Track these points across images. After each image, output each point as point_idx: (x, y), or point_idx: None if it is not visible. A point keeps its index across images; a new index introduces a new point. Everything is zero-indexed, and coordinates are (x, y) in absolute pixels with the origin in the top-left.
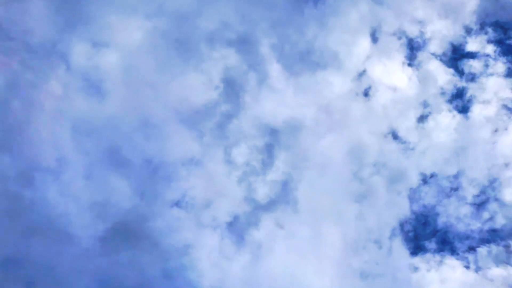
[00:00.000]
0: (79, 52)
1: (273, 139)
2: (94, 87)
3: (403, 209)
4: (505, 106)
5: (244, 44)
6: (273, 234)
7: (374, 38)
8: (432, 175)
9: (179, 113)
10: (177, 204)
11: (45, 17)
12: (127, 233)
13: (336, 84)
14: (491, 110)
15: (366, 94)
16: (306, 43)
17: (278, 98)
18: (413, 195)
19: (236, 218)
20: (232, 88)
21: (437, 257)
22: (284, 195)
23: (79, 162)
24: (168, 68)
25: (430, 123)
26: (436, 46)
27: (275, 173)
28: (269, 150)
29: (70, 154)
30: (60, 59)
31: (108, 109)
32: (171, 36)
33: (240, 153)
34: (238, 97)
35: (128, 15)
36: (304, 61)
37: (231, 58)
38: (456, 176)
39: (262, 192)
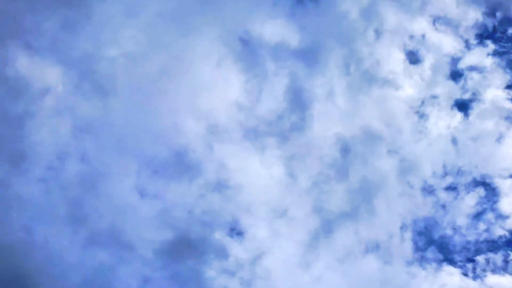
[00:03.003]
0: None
1: (343, 150)
2: (160, 95)
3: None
4: (503, 117)
5: (310, 56)
6: (347, 242)
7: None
8: (429, 184)
9: (246, 122)
10: (244, 213)
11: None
12: (190, 242)
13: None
14: (489, 121)
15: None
16: (371, 55)
17: (344, 111)
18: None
19: (309, 227)
20: (297, 100)
21: (435, 264)
22: (357, 205)
23: (142, 168)
24: (232, 78)
25: (426, 134)
26: (435, 59)
27: (348, 184)
28: (340, 161)
29: (133, 160)
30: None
31: (173, 116)
32: (235, 46)
33: (310, 163)
34: (304, 109)
35: (196, 29)
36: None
37: (296, 70)
38: (453, 186)
39: (335, 202)
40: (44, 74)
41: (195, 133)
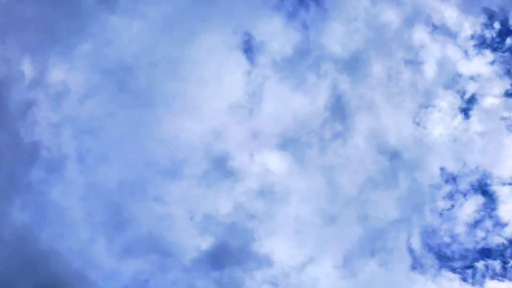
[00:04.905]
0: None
1: (390, 159)
2: (197, 102)
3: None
4: (502, 125)
5: (352, 65)
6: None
7: None
8: (429, 192)
9: (286, 130)
10: (289, 221)
11: None
12: (231, 250)
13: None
14: (488, 128)
15: None
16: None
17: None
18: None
19: (357, 235)
20: (339, 108)
21: (434, 270)
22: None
23: (181, 174)
24: (273, 88)
25: (426, 141)
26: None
27: (396, 191)
28: (388, 169)
29: (172, 167)
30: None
31: (212, 122)
32: (275, 57)
33: (355, 171)
34: (346, 117)
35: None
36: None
37: (339, 79)
38: (451, 195)
39: (383, 210)
40: (83, 81)
41: (236, 140)
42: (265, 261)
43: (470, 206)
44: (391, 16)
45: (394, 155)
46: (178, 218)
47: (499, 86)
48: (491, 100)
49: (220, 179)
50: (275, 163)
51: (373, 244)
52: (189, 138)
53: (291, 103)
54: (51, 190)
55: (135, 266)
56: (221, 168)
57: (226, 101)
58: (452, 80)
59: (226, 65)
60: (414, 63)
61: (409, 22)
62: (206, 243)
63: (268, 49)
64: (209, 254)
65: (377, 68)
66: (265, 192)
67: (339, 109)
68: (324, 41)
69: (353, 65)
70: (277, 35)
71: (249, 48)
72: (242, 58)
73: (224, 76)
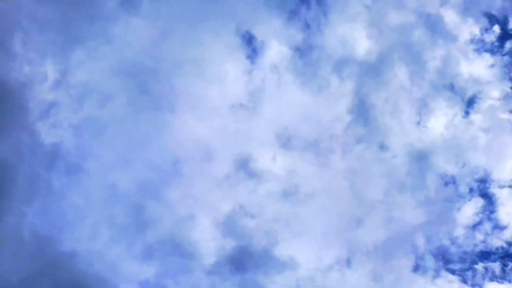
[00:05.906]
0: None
1: (418, 161)
2: (220, 103)
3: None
4: (502, 128)
5: (354, 65)
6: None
7: None
8: (428, 196)
9: (311, 133)
10: (313, 223)
11: None
12: (253, 253)
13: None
14: (488, 131)
15: None
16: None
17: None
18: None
19: (382, 237)
20: (363, 112)
21: (434, 272)
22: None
23: (203, 176)
24: (295, 91)
25: (428, 143)
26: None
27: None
28: (413, 172)
29: (193, 168)
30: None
31: (238, 123)
32: (296, 59)
33: (380, 174)
34: (369, 121)
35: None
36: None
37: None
38: (451, 197)
39: (413, 212)
40: (105, 82)
41: (260, 142)
42: (289, 264)
43: (470, 209)
44: (393, 18)
45: (399, 158)
46: (199, 220)
47: (499, 89)
48: (490, 102)
49: (242, 181)
50: (300, 165)
51: (396, 246)
52: (211, 140)
53: (313, 108)
54: (71, 192)
55: (156, 269)
56: (243, 169)
57: (242, 102)
58: (452, 83)
59: (234, 64)
60: (415, 65)
61: (410, 23)
62: (228, 245)
63: (272, 48)
64: (231, 257)
65: (379, 69)
66: (288, 194)
67: (355, 110)
68: (325, 40)
69: (354, 65)
70: (278, 34)
71: (251, 48)
72: (241, 59)
73: (235, 76)
